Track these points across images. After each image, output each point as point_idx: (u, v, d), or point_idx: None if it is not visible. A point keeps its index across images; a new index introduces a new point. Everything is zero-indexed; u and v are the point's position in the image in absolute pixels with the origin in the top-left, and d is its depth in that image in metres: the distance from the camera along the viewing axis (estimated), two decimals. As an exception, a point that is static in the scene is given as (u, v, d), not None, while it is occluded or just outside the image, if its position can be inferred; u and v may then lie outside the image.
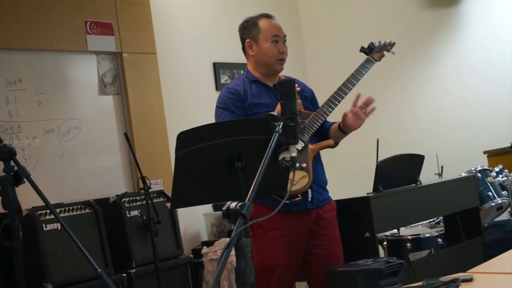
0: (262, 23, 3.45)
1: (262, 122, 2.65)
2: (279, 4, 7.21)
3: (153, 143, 5.55)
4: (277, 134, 2.07)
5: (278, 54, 3.42)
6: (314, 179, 3.36)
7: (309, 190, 3.35)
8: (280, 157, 2.24)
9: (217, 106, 3.41)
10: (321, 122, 3.38)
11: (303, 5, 7.50)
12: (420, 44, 6.70)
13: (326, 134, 3.52)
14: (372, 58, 3.56)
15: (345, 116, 3.40)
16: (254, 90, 3.41)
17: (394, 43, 3.71)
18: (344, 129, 3.43)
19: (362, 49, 3.61)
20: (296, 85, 3.33)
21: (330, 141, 3.43)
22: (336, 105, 3.41)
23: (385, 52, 3.64)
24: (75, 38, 5.19)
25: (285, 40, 3.48)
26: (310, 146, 3.38)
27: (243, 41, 3.51)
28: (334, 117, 3.51)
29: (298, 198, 3.28)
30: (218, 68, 6.37)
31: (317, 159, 3.48)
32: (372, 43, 3.58)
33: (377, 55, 3.60)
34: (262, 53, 3.43)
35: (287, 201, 3.06)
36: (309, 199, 3.36)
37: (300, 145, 3.29)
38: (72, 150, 5.09)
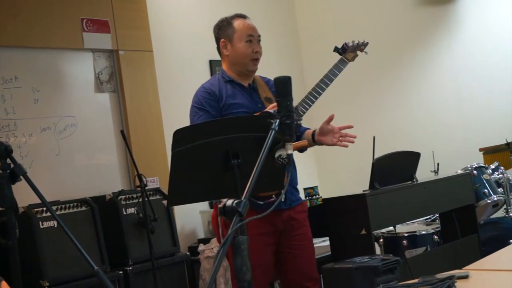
0: (237, 23, 3.47)
1: (258, 120, 2.66)
2: (276, 3, 7.21)
3: (150, 141, 5.55)
4: (273, 131, 2.07)
5: (253, 53, 3.43)
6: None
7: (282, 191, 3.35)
8: (276, 155, 2.24)
9: (192, 105, 3.40)
10: (296, 122, 3.39)
11: (299, 4, 7.50)
12: (416, 42, 6.70)
13: (299, 138, 3.53)
14: (345, 58, 3.59)
15: (321, 131, 3.41)
16: (229, 90, 3.41)
17: (367, 43, 3.73)
18: (318, 142, 3.45)
19: (336, 49, 3.63)
20: (274, 105, 3.34)
21: (304, 142, 3.44)
22: (310, 106, 3.40)
23: (358, 52, 3.67)
24: (72, 36, 5.18)
25: (259, 40, 3.49)
26: None
27: (217, 40, 3.53)
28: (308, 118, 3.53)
29: (272, 199, 3.28)
30: (214, 65, 6.36)
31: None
32: (346, 43, 3.61)
33: (350, 55, 3.63)
34: (236, 53, 3.44)
35: (261, 202, 3.07)
36: (282, 199, 3.36)
37: None
38: (68, 148, 5.09)
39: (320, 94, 3.43)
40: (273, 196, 3.26)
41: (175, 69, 6.04)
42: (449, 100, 6.52)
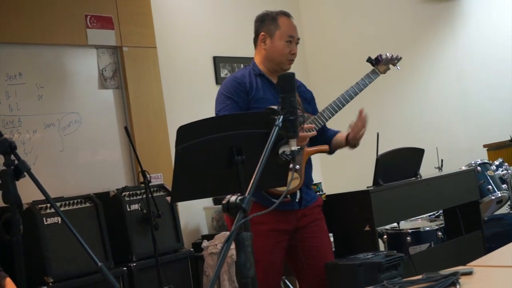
0: (282, 20, 3.45)
1: (262, 116, 2.65)
2: (280, 2, 7.19)
3: (153, 137, 5.55)
4: (277, 128, 2.07)
5: (289, 54, 3.44)
6: (304, 182, 3.38)
7: (298, 191, 3.36)
8: (280, 151, 2.24)
9: (221, 93, 3.39)
10: (319, 126, 3.41)
11: (304, 3, 7.47)
12: (421, 38, 6.69)
13: (327, 142, 3.55)
14: (377, 70, 3.64)
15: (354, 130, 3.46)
16: (259, 84, 3.41)
17: (401, 58, 3.74)
18: (351, 142, 3.50)
19: (369, 60, 3.66)
20: (313, 125, 3.36)
21: (326, 147, 3.47)
22: (336, 112, 3.45)
23: (390, 66, 3.70)
24: (76, 32, 5.19)
25: (297, 43, 3.50)
26: (306, 148, 3.39)
27: (257, 33, 3.50)
28: (335, 124, 3.54)
29: (287, 199, 3.28)
30: (218, 62, 6.36)
31: (307, 161, 3.48)
32: (380, 55, 3.66)
33: (383, 67, 3.67)
34: (274, 50, 3.43)
35: (276, 200, 3.07)
36: (297, 200, 3.37)
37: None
38: (72, 144, 5.10)
39: (348, 101, 3.52)
40: (288, 196, 3.27)
41: (179, 66, 6.04)
42: (453, 96, 6.51)
